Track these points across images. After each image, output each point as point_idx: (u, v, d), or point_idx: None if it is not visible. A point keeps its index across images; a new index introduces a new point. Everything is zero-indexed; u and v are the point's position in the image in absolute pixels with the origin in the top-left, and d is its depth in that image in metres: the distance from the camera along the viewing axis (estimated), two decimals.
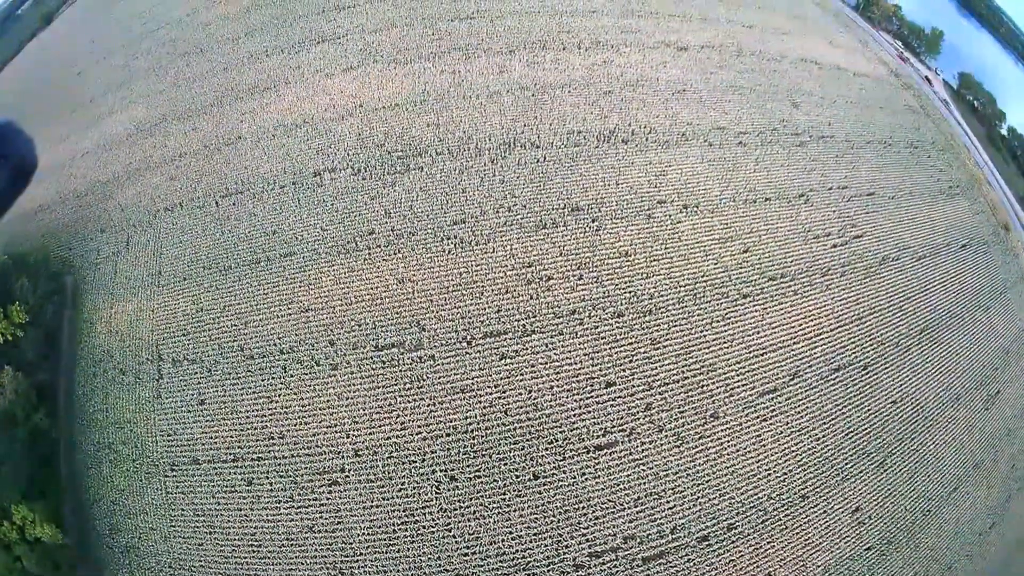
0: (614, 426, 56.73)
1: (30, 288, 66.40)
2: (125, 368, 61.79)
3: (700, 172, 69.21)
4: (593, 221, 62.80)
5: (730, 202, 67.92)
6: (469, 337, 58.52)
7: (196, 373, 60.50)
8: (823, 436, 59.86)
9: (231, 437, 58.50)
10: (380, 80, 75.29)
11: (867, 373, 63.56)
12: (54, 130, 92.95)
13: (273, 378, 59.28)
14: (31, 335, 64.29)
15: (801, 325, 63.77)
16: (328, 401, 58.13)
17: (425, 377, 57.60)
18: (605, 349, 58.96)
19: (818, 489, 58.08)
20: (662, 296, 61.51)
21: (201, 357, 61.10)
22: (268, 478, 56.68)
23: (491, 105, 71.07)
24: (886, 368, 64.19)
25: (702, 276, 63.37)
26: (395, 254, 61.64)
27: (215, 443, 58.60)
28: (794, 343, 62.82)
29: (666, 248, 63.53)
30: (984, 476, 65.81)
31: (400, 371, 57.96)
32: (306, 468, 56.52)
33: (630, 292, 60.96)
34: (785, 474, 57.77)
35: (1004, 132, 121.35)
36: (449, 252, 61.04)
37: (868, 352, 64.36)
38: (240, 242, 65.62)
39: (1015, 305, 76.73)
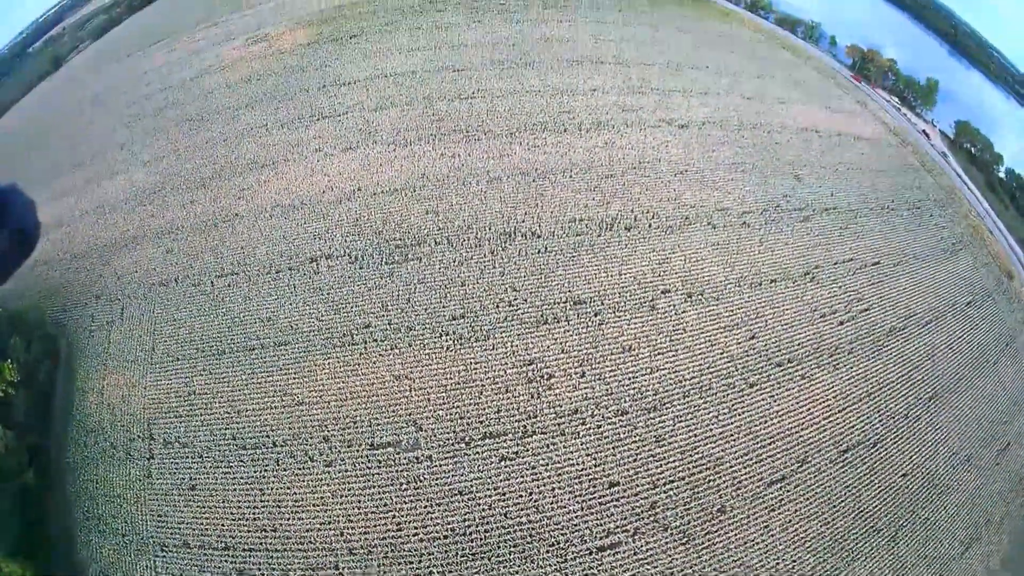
0: (617, 527, 54.50)
1: (23, 347, 65.41)
2: (116, 443, 60.33)
3: (704, 257, 67.95)
4: (596, 315, 61.39)
5: (735, 287, 66.49)
6: (467, 438, 56.74)
7: (188, 457, 58.85)
8: (832, 520, 57.65)
9: (222, 525, 56.42)
10: (379, 162, 74.64)
11: (876, 450, 61.45)
12: (56, 184, 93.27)
13: (266, 470, 57.39)
14: (23, 395, 62.86)
15: (809, 410, 61.80)
16: (322, 497, 56.15)
17: (422, 478, 55.64)
18: (608, 448, 57.00)
19: (828, 572, 55.76)
20: (666, 391, 59.63)
21: (193, 441, 59.43)
22: (260, 570, 54.33)
23: (491, 192, 70.25)
24: (896, 442, 62.19)
25: (708, 368, 61.54)
26: (392, 349, 60.11)
27: (206, 529, 56.53)
28: (802, 429, 60.77)
29: (671, 341, 61.90)
30: (996, 530, 63.11)
31: (396, 471, 56.01)
32: (299, 563, 54.36)
33: (634, 389, 59.19)
34: (794, 562, 55.47)
35: (1002, 175, 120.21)
36: (448, 348, 59.53)
37: (877, 428, 62.34)
38: (234, 326, 64.36)
39: (1022, 354, 75.01)
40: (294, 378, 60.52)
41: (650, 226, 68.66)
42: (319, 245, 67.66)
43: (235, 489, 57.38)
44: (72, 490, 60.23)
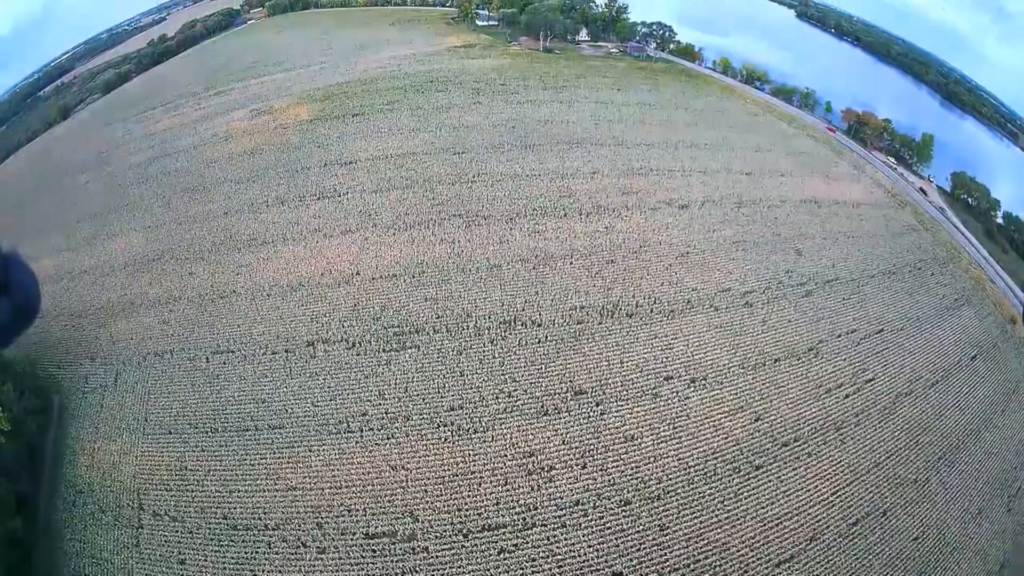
0: None
1: (15, 397, 64.88)
2: (105, 507, 59.12)
3: (707, 341, 67.42)
4: (597, 405, 60.47)
5: (739, 370, 65.78)
6: (465, 529, 55.16)
7: (177, 531, 57.30)
8: None
9: None
10: (378, 246, 74.83)
11: (887, 519, 59.56)
12: (55, 237, 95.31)
13: (257, 553, 55.67)
14: (13, 446, 61.90)
15: (817, 487, 60.24)
16: None
17: (418, 569, 53.81)
18: (611, 539, 55.29)
19: None
20: (670, 480, 58.22)
21: (183, 516, 58.03)
22: None
23: (491, 279, 70.13)
24: (905, 508, 60.46)
25: (712, 453, 60.23)
26: (389, 439, 58.99)
27: None
28: (810, 507, 59.07)
29: (674, 428, 60.80)
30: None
31: (391, 562, 54.21)
32: None
33: (636, 479, 57.80)
34: None
35: (1000, 220, 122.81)
36: (446, 440, 58.40)
37: (886, 497, 60.67)
38: (228, 405, 63.52)
39: None
40: (288, 463, 59.25)
41: (652, 312, 68.34)
42: (316, 328, 67.13)
43: (225, 568, 55.51)
44: (59, 547, 58.85)
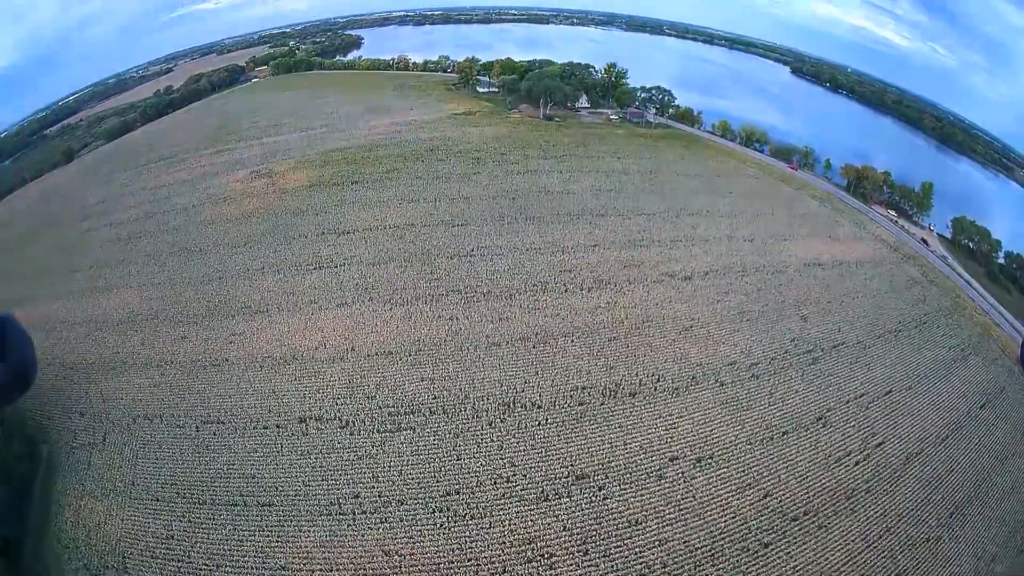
0: None
1: (3, 442, 64.24)
2: (90, 565, 56.77)
3: (713, 418, 65.81)
4: (600, 489, 58.49)
5: (746, 446, 64.03)
6: None
7: None
8: None
9: None
10: (375, 322, 73.88)
11: None
12: (51, 283, 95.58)
13: None
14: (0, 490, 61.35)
15: (828, 559, 57.62)
16: None
17: None
18: None
19: None
20: (676, 563, 55.96)
21: None
22: None
23: (489, 358, 68.81)
24: (917, 567, 58.20)
25: (720, 534, 58.02)
26: (382, 522, 56.81)
27: None
28: None
29: (679, 510, 58.75)
30: None
31: None
32: None
33: (641, 563, 55.54)
34: None
35: (1001, 260, 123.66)
36: (441, 525, 56.22)
37: (898, 559, 58.11)
38: (217, 478, 61.49)
39: None
40: (277, 542, 56.83)
41: (656, 390, 66.90)
42: (309, 405, 65.61)
43: None
44: None
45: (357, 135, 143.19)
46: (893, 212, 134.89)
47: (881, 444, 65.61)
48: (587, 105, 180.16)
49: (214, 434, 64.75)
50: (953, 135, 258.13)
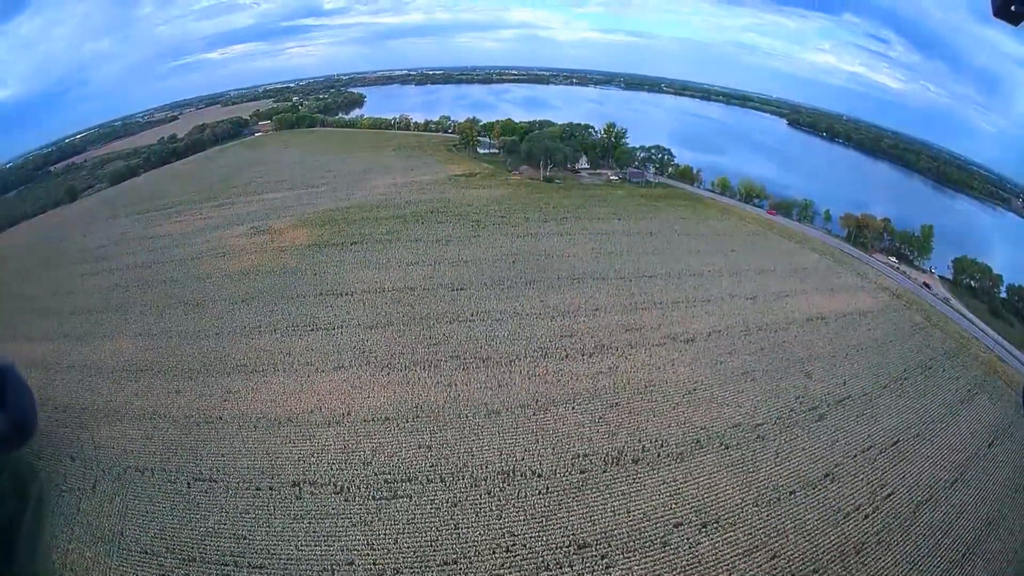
0: None
1: None
2: None
3: (718, 482, 64.23)
4: (602, 559, 56.58)
5: (752, 508, 62.26)
6: None
7: None
8: None
9: None
10: (372, 386, 72.86)
11: None
12: (48, 323, 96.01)
13: None
14: None
15: None
16: None
17: None
18: None
19: None
20: None
21: None
22: None
23: (489, 426, 67.49)
24: None
25: None
26: None
27: None
28: None
29: None
30: None
31: None
32: None
33: None
34: None
35: (1003, 294, 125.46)
36: None
37: None
38: (208, 536, 59.20)
39: None
40: None
41: (659, 456, 65.43)
42: (303, 469, 64.07)
43: None
44: None
45: (357, 195, 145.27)
46: (894, 258, 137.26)
47: (890, 495, 64.26)
48: (587, 166, 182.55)
49: (206, 492, 63.01)
50: (949, 174, 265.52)
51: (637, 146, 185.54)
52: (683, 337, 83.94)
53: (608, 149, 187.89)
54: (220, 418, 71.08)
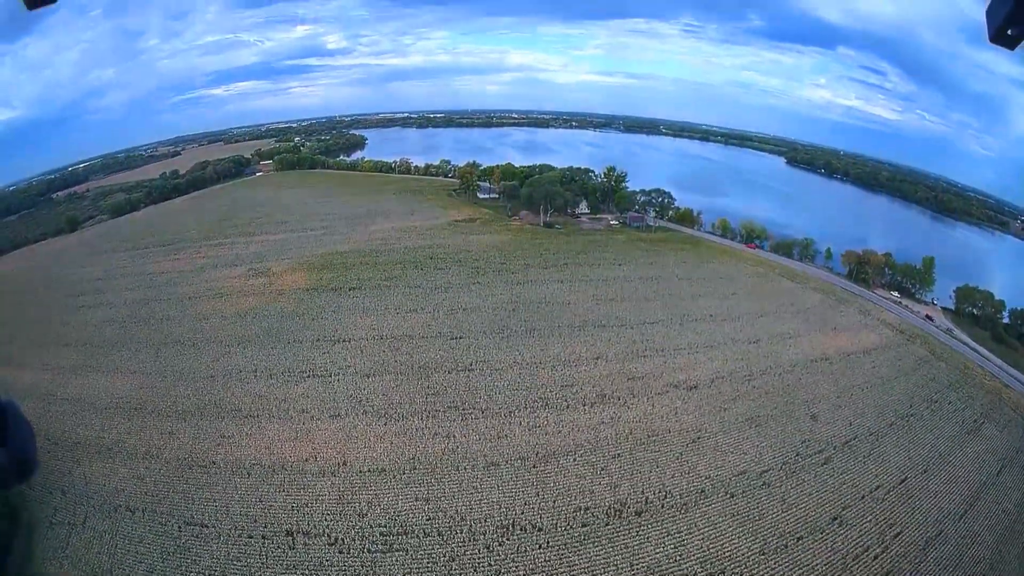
0: None
1: None
2: None
3: (724, 531, 62.69)
4: None
5: (759, 556, 60.64)
6: None
7: None
8: None
9: None
10: (368, 436, 71.65)
11: None
12: (43, 352, 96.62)
13: None
14: None
15: None
16: None
17: None
18: None
19: None
20: None
21: None
22: None
23: (488, 478, 66.08)
24: None
25: None
26: None
27: None
28: None
29: None
30: None
31: None
32: None
33: None
34: None
35: (1006, 319, 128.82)
36: None
37: None
38: None
39: None
40: None
41: (663, 507, 64.00)
42: (297, 518, 62.59)
43: None
44: None
45: (357, 239, 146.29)
46: (896, 293, 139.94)
47: (899, 534, 63.34)
48: (587, 211, 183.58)
49: (196, 536, 61.51)
50: (948, 202, 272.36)
51: (637, 189, 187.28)
52: (686, 384, 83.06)
53: (608, 193, 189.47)
54: (213, 462, 69.95)
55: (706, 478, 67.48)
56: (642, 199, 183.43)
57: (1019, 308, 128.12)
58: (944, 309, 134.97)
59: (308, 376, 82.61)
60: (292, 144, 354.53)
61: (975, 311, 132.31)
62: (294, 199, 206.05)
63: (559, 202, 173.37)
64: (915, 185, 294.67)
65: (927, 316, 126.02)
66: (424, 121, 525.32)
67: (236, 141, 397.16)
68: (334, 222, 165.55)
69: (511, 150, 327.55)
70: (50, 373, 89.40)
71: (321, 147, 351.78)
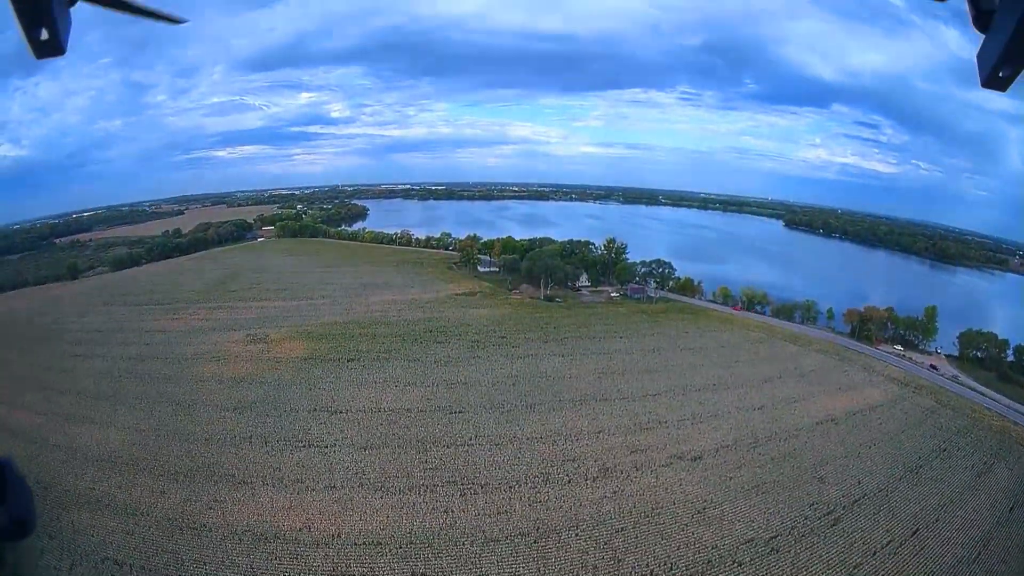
0: None
1: None
2: None
3: None
4: None
5: None
6: None
7: None
8: None
9: None
10: (364, 509, 69.87)
11: None
12: (37, 399, 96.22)
13: None
14: None
15: None
16: None
17: None
18: None
19: None
20: None
21: None
22: None
23: (487, 555, 63.68)
24: None
25: None
26: None
27: None
28: None
29: None
30: None
31: None
32: None
33: None
34: None
35: (1011, 357, 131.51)
36: None
37: None
38: None
39: None
40: None
41: None
42: None
43: None
44: None
45: (356, 309, 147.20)
46: (899, 346, 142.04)
47: None
48: (588, 283, 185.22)
49: None
50: (946, 249, 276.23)
51: (638, 260, 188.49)
52: (690, 455, 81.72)
53: (609, 265, 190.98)
54: (204, 525, 68.12)
55: (713, 548, 65.82)
56: (643, 270, 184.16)
57: (1023, 344, 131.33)
58: (948, 356, 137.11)
59: (304, 446, 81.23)
60: (294, 211, 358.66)
61: (979, 354, 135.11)
62: (295, 267, 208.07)
63: (559, 275, 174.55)
64: (913, 237, 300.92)
65: (932, 366, 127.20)
66: (426, 193, 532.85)
67: (239, 205, 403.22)
68: (334, 292, 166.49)
69: (511, 223, 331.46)
70: (44, 418, 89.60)
71: (323, 216, 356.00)
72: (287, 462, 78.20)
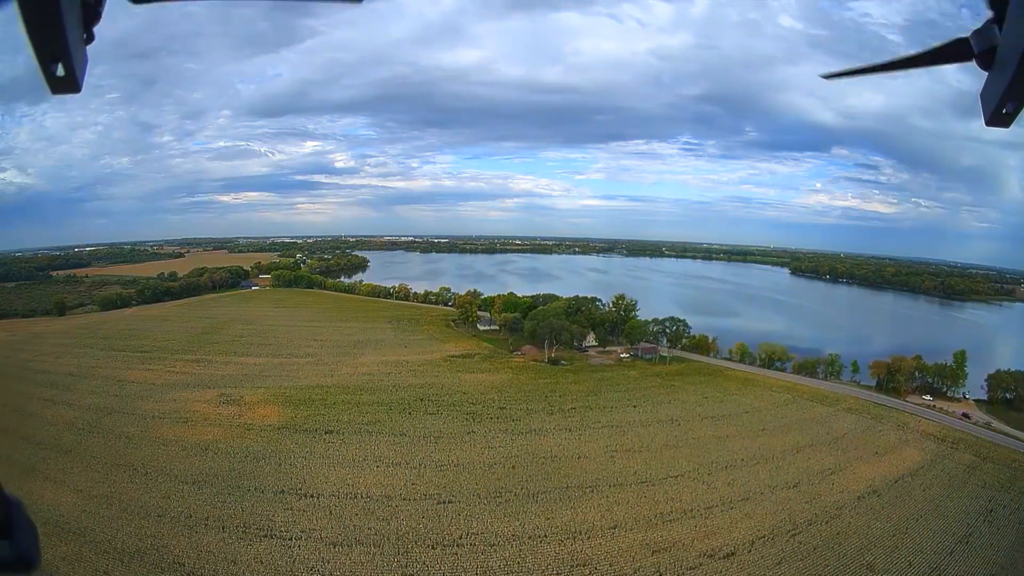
0: None
1: None
2: None
3: None
4: None
5: None
6: None
7: None
8: None
9: None
10: None
11: None
12: (26, 450, 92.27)
13: None
14: None
15: None
16: None
17: None
18: None
19: None
20: None
21: None
22: None
23: None
24: None
25: None
26: None
27: None
28: None
29: None
30: None
31: None
32: None
33: None
34: None
35: None
36: None
37: None
38: None
39: None
40: None
41: None
42: None
43: None
44: None
45: (342, 371, 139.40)
46: (928, 396, 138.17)
47: None
48: (595, 343, 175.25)
49: None
50: (954, 285, 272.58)
51: (649, 319, 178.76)
52: (722, 552, 69.94)
53: (618, 324, 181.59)
54: None
55: None
56: (655, 328, 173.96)
57: None
58: (977, 401, 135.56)
59: (265, 536, 69.34)
60: (293, 261, 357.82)
61: (1008, 395, 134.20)
62: (284, 320, 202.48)
63: (565, 336, 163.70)
64: (920, 276, 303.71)
65: (964, 415, 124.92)
66: (428, 246, 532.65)
67: (240, 251, 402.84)
68: (321, 349, 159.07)
69: (514, 277, 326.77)
70: (34, 471, 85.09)
71: (322, 266, 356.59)
72: (243, 555, 66.62)
